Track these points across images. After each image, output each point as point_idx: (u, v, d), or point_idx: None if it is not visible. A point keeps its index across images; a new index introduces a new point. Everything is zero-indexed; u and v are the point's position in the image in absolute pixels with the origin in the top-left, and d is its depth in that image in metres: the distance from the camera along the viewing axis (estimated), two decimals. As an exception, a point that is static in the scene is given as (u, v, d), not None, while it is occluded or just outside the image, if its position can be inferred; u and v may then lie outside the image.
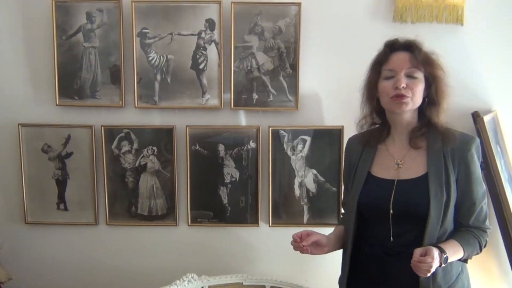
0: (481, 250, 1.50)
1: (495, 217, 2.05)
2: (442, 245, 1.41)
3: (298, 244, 1.54)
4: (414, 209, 1.45)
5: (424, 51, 1.49)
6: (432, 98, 1.49)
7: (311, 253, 1.56)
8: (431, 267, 1.32)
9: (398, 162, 1.53)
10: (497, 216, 2.01)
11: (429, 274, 1.34)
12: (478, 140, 1.50)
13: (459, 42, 2.20)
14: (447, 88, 1.51)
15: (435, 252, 1.33)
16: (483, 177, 2.03)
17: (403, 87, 1.44)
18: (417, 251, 1.34)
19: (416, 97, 1.47)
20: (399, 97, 1.45)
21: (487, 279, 2.27)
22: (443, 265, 1.38)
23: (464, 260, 1.50)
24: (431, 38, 2.14)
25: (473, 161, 1.47)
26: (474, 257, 2.14)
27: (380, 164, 1.57)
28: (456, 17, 2.18)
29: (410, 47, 1.48)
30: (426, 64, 1.47)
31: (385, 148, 1.58)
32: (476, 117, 2.03)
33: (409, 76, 1.46)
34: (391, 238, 1.47)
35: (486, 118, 2.02)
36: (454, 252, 1.42)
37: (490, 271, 2.27)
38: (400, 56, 1.48)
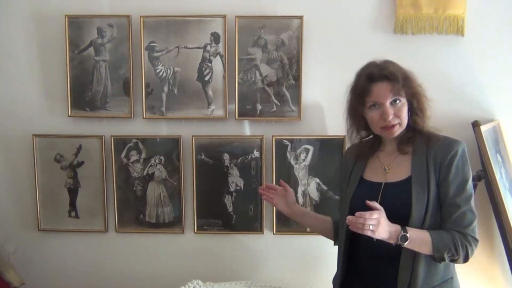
0: (457, 254, 1.45)
1: (496, 225, 2.07)
2: (408, 227, 1.43)
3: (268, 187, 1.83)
4: (397, 210, 1.48)
5: (401, 75, 1.51)
6: (415, 111, 1.56)
7: (273, 202, 1.84)
8: (364, 221, 1.34)
9: (385, 168, 1.60)
10: (498, 224, 2.02)
11: (365, 232, 1.35)
12: (462, 144, 1.52)
13: (460, 53, 2.23)
14: (427, 100, 1.56)
15: (374, 214, 1.36)
16: (484, 186, 2.08)
17: (391, 118, 1.50)
18: (370, 203, 1.42)
19: (403, 121, 1.53)
20: (389, 128, 1.52)
21: (491, 288, 2.28)
22: (399, 242, 1.40)
23: (438, 260, 1.46)
24: (432, 50, 2.22)
25: (453, 163, 1.49)
26: (478, 267, 2.16)
27: (371, 169, 1.64)
28: (456, 28, 2.20)
29: (388, 77, 1.50)
30: (406, 87, 1.52)
31: (376, 155, 1.66)
32: (475, 126, 2.05)
33: (393, 103, 1.51)
34: (374, 239, 1.51)
35: (485, 127, 2.04)
36: (419, 238, 1.42)
37: (494, 279, 2.27)
38: (381, 88, 1.51)
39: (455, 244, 1.44)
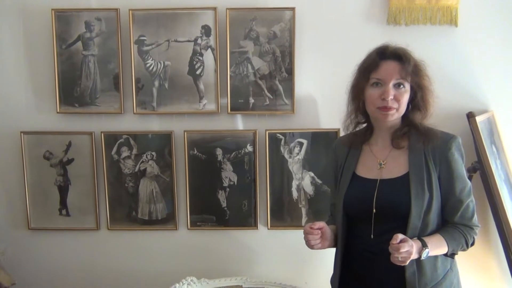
0: (467, 247, 1.50)
1: (492, 216, 2.06)
2: (426, 239, 1.42)
3: (310, 231, 1.51)
4: (395, 208, 1.46)
5: (413, 61, 1.48)
6: (417, 105, 1.51)
7: (321, 247, 1.55)
8: (403, 257, 1.34)
9: (381, 162, 1.55)
10: (493, 215, 2.01)
11: (401, 263, 1.36)
12: (458, 138, 1.50)
13: (453, 44, 2.21)
14: (433, 96, 1.52)
15: (406, 247, 1.33)
16: (479, 177, 2.07)
17: (390, 99, 1.45)
18: (398, 236, 1.35)
19: (401, 107, 1.48)
20: (386, 109, 1.46)
21: (487, 278, 2.27)
22: (422, 258, 1.40)
23: (451, 255, 1.51)
24: (425, 40, 2.20)
25: (454, 159, 1.47)
26: (473, 257, 2.16)
27: (364, 164, 1.59)
28: (450, 19, 2.19)
29: (400, 57, 1.47)
30: (414, 75, 1.47)
31: (369, 149, 1.60)
32: (470, 117, 2.04)
33: (397, 86, 1.47)
34: (372, 236, 1.49)
35: (480, 118, 2.03)
36: (437, 246, 1.44)
37: (489, 270, 2.27)
38: (390, 66, 1.47)
39: (465, 239, 1.48)
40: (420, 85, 1.49)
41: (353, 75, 1.59)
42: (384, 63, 1.47)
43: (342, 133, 2.15)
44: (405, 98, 1.47)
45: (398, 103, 1.46)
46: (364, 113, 1.60)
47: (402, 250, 1.32)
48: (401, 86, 1.46)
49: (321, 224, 1.54)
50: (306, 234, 1.53)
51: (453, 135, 1.51)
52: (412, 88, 1.49)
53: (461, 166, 1.49)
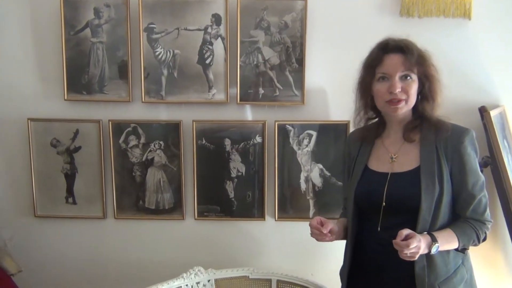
0: (479, 242, 1.49)
1: (501, 211, 2.06)
2: (436, 233, 1.41)
3: (319, 228, 1.52)
4: (405, 202, 1.46)
5: (417, 51, 1.47)
6: (425, 95, 1.50)
7: (328, 241, 1.56)
8: (411, 253, 1.33)
9: (392, 156, 1.54)
10: (504, 210, 2.00)
11: (410, 259, 1.35)
12: (472, 132, 1.49)
13: (466, 37, 2.19)
14: (440, 85, 1.50)
15: (414, 243, 1.32)
16: (490, 172, 2.06)
17: (398, 91, 1.45)
18: (403, 232, 1.34)
19: (411, 98, 1.47)
20: (395, 102, 1.46)
21: (494, 274, 2.27)
22: (432, 253, 1.39)
23: (462, 250, 1.50)
24: (438, 33, 2.18)
25: (466, 152, 1.46)
26: (480, 252, 2.16)
27: (376, 158, 1.59)
28: (463, 11, 2.16)
29: (402, 49, 1.46)
30: (419, 65, 1.47)
31: (381, 142, 1.60)
32: (483, 111, 2.02)
33: (403, 78, 1.46)
34: (379, 229, 1.49)
35: (493, 113, 2.01)
36: (448, 241, 1.43)
37: (496, 265, 2.27)
38: (393, 59, 1.47)
39: (477, 234, 1.47)
40: (427, 75, 1.48)
41: (358, 72, 1.59)
42: (387, 57, 1.48)
43: (352, 126, 2.15)
44: (413, 89, 1.47)
45: (407, 94, 1.46)
46: (374, 108, 1.59)
47: (411, 246, 1.31)
48: (408, 77, 1.46)
49: (331, 226, 1.54)
50: (313, 229, 1.54)
51: (466, 128, 1.50)
52: (419, 79, 1.48)
53: (474, 160, 1.47)
